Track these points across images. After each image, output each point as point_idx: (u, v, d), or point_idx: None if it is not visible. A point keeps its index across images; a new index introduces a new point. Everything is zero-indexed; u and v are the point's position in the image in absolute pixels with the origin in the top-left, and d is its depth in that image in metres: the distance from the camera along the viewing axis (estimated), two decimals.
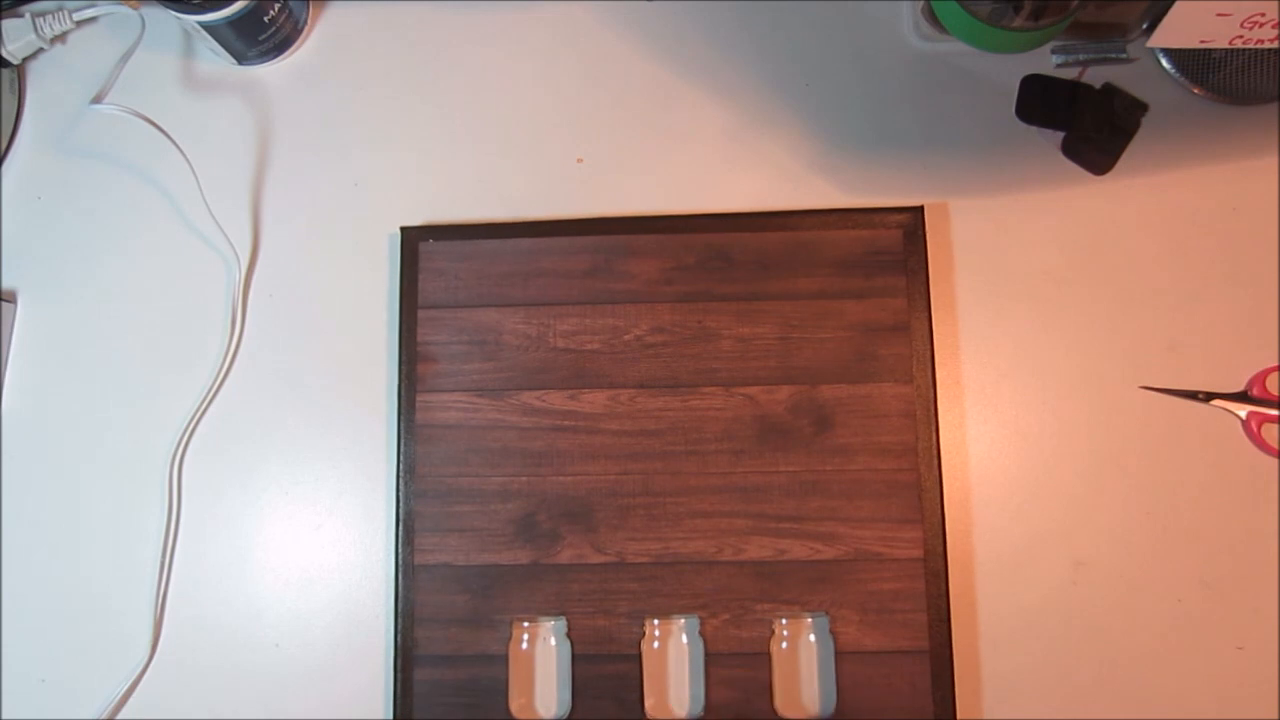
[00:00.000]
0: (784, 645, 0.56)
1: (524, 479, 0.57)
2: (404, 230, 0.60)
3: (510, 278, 0.59)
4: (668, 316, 0.58)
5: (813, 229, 0.59)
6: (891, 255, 0.58)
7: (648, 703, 0.55)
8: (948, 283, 0.59)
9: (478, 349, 0.58)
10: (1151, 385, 0.58)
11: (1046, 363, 0.58)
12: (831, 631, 0.55)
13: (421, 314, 0.59)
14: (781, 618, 0.55)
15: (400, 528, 0.57)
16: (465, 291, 0.59)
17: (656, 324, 0.58)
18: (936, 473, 0.55)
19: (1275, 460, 0.56)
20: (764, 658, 0.55)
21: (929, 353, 0.57)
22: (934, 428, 0.56)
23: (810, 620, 0.56)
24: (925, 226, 0.58)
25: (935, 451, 0.56)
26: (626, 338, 0.58)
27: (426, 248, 0.60)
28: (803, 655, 0.56)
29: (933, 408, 0.56)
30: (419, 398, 0.58)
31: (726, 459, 0.57)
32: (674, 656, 0.56)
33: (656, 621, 0.56)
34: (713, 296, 0.58)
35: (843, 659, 0.54)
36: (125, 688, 0.57)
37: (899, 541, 0.55)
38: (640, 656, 0.55)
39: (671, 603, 0.56)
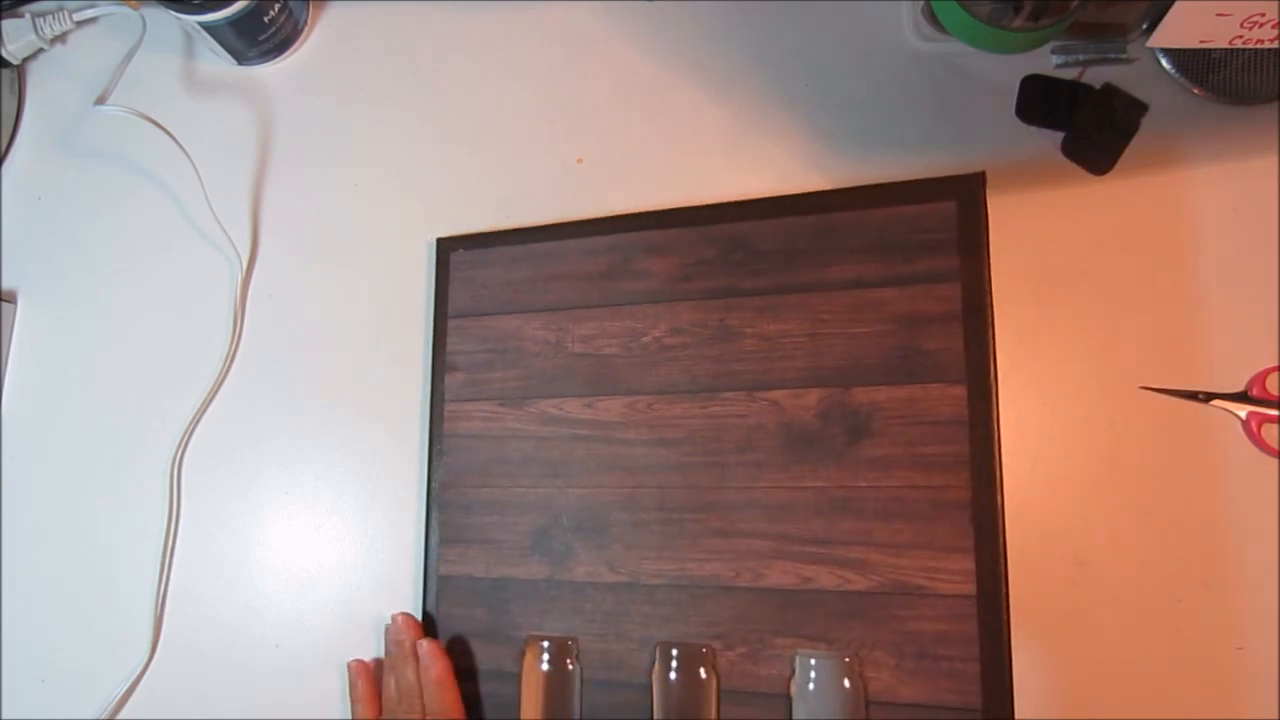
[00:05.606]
0: (808, 688, 0.48)
1: (541, 490, 0.55)
2: (439, 241, 0.60)
3: (531, 282, 0.57)
4: (686, 316, 0.54)
5: (846, 209, 0.52)
6: (940, 234, 0.50)
7: None
8: None
9: (500, 357, 0.57)
10: (1151, 385, 0.58)
11: (1046, 363, 0.58)
12: (861, 676, 0.48)
13: (450, 324, 0.58)
14: (804, 655, 0.49)
15: (428, 535, 0.56)
16: (490, 299, 0.58)
17: (675, 324, 0.54)
18: (996, 492, 0.47)
19: (1275, 460, 0.56)
20: (782, 700, 0.49)
21: (990, 346, 0.48)
22: (995, 437, 0.47)
23: (836, 661, 0.49)
24: (986, 197, 0.50)
25: (996, 466, 0.47)
26: (644, 340, 0.55)
27: (456, 256, 0.59)
28: (827, 701, 0.48)
29: (994, 412, 0.48)
30: (445, 408, 0.57)
31: (747, 472, 0.51)
32: (685, 690, 0.53)
33: (673, 650, 0.52)
34: (734, 292, 0.53)
35: (873, 710, 0.47)
36: (125, 688, 0.57)
37: (945, 574, 0.47)
38: (651, 686, 0.51)
39: (685, 630, 0.51)
